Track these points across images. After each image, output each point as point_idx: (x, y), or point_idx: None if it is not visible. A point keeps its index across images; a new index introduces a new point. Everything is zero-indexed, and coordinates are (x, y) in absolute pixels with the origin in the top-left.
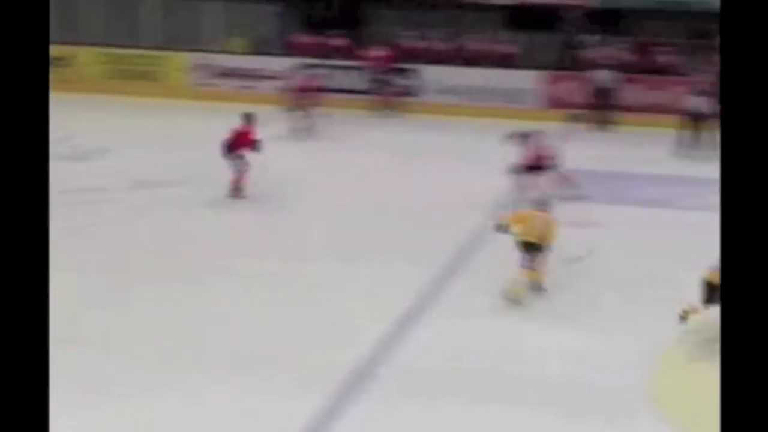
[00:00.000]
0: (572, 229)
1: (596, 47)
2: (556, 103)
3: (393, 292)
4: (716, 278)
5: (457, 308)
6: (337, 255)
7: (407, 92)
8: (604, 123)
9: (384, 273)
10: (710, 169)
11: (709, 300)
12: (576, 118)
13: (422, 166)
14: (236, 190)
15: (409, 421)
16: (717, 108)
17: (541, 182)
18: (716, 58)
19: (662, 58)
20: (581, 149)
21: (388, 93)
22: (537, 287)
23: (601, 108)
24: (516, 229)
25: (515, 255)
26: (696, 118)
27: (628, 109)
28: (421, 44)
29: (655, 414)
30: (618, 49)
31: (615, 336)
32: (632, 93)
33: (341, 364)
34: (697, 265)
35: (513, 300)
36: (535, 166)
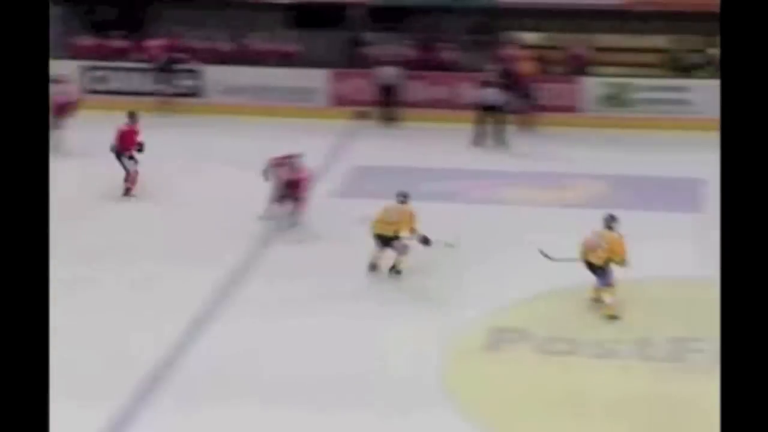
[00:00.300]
0: (357, 227)
1: (380, 44)
2: (342, 101)
3: (183, 295)
4: (593, 257)
5: (246, 309)
6: (126, 259)
7: (191, 93)
8: (390, 120)
9: (173, 276)
10: (500, 162)
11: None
12: (362, 116)
13: (207, 168)
14: (128, 190)
15: (201, 426)
16: (507, 100)
17: (295, 205)
18: (500, 53)
19: (445, 54)
20: (369, 146)
21: (170, 94)
22: (395, 271)
23: (387, 105)
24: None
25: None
26: (486, 111)
27: (414, 105)
28: (204, 44)
29: (449, 403)
30: (402, 46)
31: (408, 328)
32: (417, 89)
33: (136, 368)
34: (489, 258)
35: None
36: (291, 190)
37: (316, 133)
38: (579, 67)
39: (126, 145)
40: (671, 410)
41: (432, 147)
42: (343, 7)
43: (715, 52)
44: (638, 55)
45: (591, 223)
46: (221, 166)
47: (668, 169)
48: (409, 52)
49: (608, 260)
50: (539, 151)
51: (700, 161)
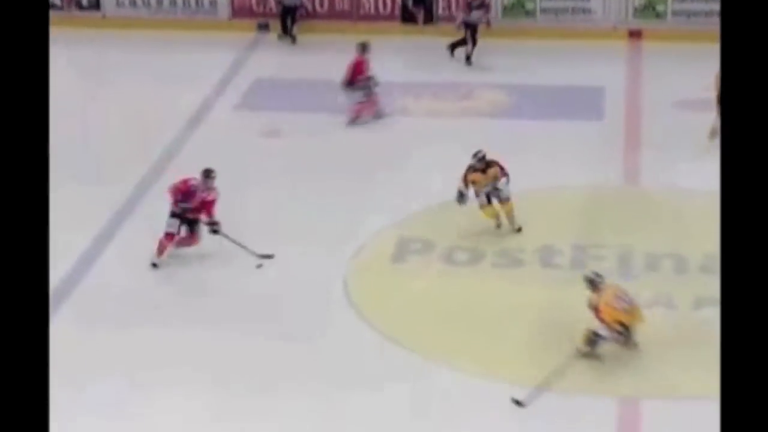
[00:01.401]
0: (260, 140)
1: None
2: (243, 14)
3: (88, 213)
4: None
5: (146, 227)
6: None
7: (89, 6)
8: (290, 32)
9: (81, 195)
10: (402, 73)
11: None
12: (263, 28)
13: (110, 84)
14: (356, 119)
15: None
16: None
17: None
18: None
19: None
20: (271, 59)
21: (67, 8)
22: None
23: (288, 17)
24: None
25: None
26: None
27: (314, 16)
28: None
29: (354, 315)
30: None
31: (313, 240)
32: (317, 1)
33: None
34: (394, 169)
35: None
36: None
37: (218, 46)
38: None
39: (356, 76)
40: (566, 316)
41: (335, 59)
42: None
43: None
44: None
45: (494, 133)
46: (121, 81)
47: (570, 78)
48: None
49: None
50: (442, 62)
51: (601, 70)
